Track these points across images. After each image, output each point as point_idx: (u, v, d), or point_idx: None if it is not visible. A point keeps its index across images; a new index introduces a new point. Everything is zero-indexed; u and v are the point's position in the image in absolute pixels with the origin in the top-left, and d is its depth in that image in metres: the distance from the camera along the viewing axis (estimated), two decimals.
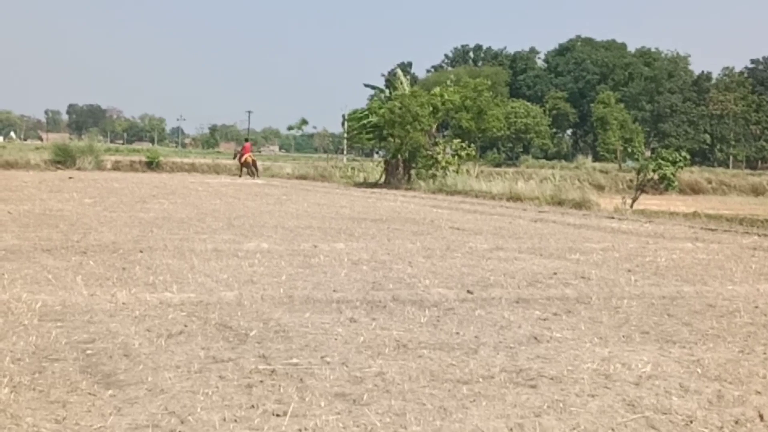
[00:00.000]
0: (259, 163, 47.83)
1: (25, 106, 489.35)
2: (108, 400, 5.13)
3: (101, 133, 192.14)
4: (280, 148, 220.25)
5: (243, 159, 45.56)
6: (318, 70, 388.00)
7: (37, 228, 14.72)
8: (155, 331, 7.03)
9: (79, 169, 44.35)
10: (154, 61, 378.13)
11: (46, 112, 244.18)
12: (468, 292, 9.58)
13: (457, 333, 7.46)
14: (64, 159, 46.07)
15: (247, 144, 50.18)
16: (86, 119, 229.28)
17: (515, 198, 29.98)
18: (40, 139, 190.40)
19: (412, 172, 39.46)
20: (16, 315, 7.46)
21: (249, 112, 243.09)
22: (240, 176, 44.78)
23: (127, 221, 16.54)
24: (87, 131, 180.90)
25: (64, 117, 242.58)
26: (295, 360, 6.26)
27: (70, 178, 35.77)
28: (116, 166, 47.58)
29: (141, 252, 12.02)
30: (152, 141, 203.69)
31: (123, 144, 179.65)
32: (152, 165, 48.23)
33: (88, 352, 6.27)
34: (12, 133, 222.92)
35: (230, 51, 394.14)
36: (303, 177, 47.02)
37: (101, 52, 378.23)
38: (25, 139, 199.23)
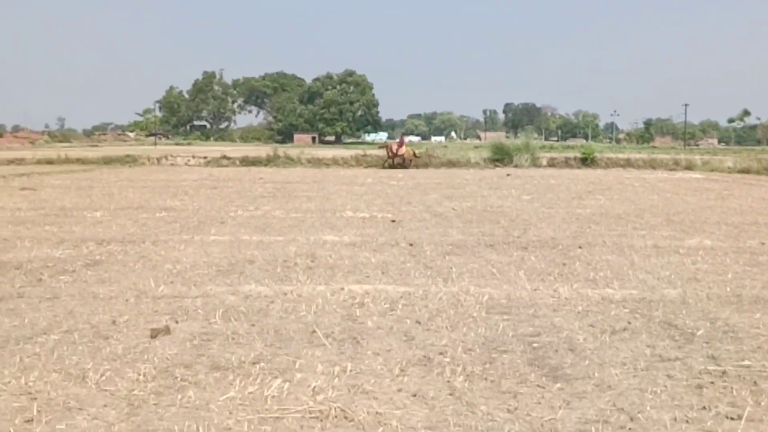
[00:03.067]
0: (672, 158, 46.00)
1: (465, 107, 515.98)
2: (556, 393, 5.22)
3: (536, 130, 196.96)
4: (719, 141, 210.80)
5: (401, 151, 44.39)
6: (762, 57, 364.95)
7: (480, 224, 15.41)
8: (598, 327, 7.04)
9: (515, 166, 45.66)
10: (587, 58, 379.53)
11: (484, 112, 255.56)
12: None
13: None
14: (501, 157, 47.69)
15: (401, 138, 50.39)
16: (522, 117, 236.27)
17: None
18: (479, 137, 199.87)
19: None
20: (465, 307, 7.86)
21: (685, 105, 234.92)
22: (387, 166, 43.57)
23: (564, 217, 16.76)
24: (522, 129, 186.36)
25: (501, 116, 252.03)
26: (747, 362, 5.94)
27: (508, 175, 37.00)
28: (551, 163, 48.30)
29: (580, 248, 12.10)
30: (586, 137, 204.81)
31: (557, 141, 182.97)
32: (587, 161, 48.32)
33: (535, 345, 6.43)
34: (453, 133, 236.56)
35: (668, 46, 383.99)
36: (746, 171, 44.36)
37: (537, 52, 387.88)
38: (464, 138, 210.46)
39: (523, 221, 15.88)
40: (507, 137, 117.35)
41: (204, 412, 4.87)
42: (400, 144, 45.76)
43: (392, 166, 43.42)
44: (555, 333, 6.83)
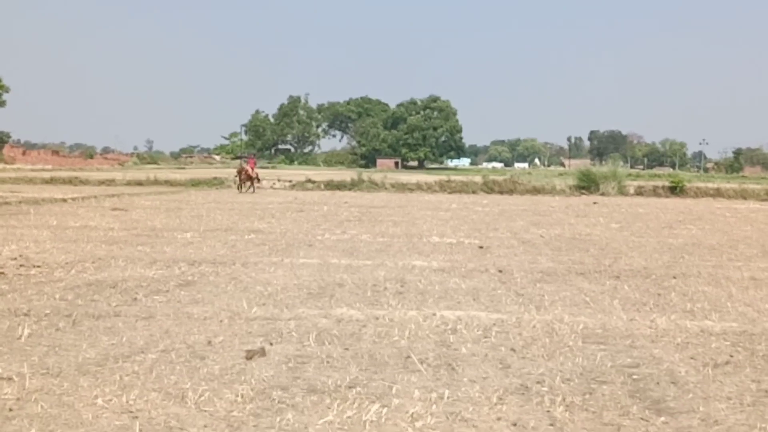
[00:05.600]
0: (763, 188, 44.96)
1: (549, 134, 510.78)
2: (661, 427, 5.08)
3: (621, 158, 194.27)
4: None
5: (252, 173, 42.84)
6: None
7: (569, 251, 15.21)
8: (700, 360, 6.85)
9: (602, 194, 44.97)
10: (674, 86, 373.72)
11: (568, 139, 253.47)
12: None
13: None
14: (587, 184, 47.06)
15: (252, 159, 49.05)
16: (607, 145, 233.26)
17: None
18: (563, 165, 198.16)
19: None
20: (560, 336, 7.74)
21: None
22: (241, 191, 41.54)
23: (655, 246, 16.44)
24: (608, 157, 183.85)
25: (586, 143, 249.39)
26: None
27: (595, 203, 36.51)
28: (639, 192, 47.49)
29: (674, 278, 11.85)
30: (672, 166, 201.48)
31: (643, 169, 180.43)
32: (675, 190, 47.42)
33: (635, 376, 6.29)
34: (536, 160, 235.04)
35: (758, 74, 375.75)
36: None
37: (624, 80, 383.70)
38: (548, 166, 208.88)
39: (613, 250, 15.63)
40: (592, 164, 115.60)
41: None
42: (252, 166, 44.96)
43: (240, 187, 42.41)
44: (655, 365, 6.67)
